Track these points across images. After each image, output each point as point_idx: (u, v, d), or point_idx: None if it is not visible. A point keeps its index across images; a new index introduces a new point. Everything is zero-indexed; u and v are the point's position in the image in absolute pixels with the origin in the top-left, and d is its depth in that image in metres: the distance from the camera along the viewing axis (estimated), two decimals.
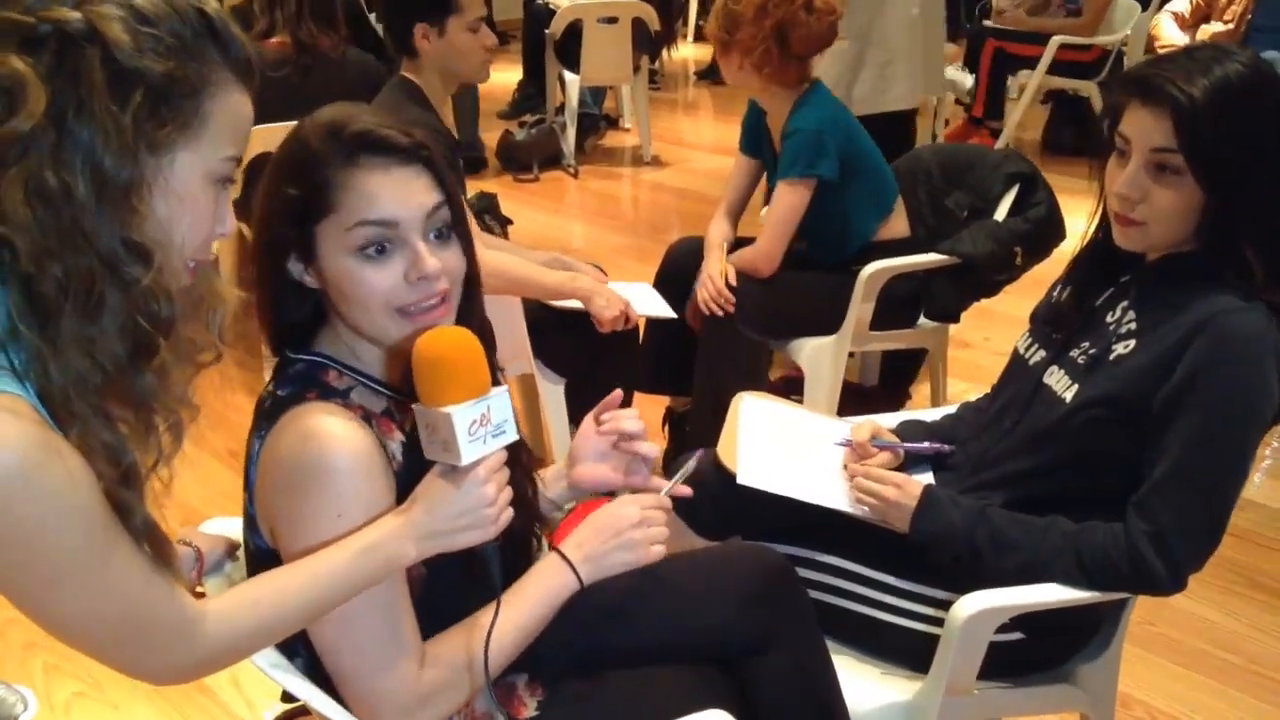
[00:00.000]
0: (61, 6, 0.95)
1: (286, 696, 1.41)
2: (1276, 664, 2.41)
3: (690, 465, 1.54)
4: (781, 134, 2.75)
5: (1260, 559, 2.78)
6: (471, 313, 1.37)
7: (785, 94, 2.75)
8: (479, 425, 1.18)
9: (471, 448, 1.18)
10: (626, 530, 1.38)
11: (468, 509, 1.19)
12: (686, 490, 1.52)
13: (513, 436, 1.22)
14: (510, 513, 1.23)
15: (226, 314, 1.19)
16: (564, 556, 1.38)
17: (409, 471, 1.27)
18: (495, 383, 1.22)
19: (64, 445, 0.95)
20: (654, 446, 1.54)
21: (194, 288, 1.10)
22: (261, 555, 1.30)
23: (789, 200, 2.70)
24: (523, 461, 1.47)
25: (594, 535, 1.39)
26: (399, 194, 1.26)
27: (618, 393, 1.56)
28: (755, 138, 2.96)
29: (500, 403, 1.20)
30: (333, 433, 1.21)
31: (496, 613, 1.26)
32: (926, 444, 1.83)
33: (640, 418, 1.56)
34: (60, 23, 0.95)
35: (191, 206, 1.03)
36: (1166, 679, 2.37)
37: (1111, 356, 1.58)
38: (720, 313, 2.70)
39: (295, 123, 1.32)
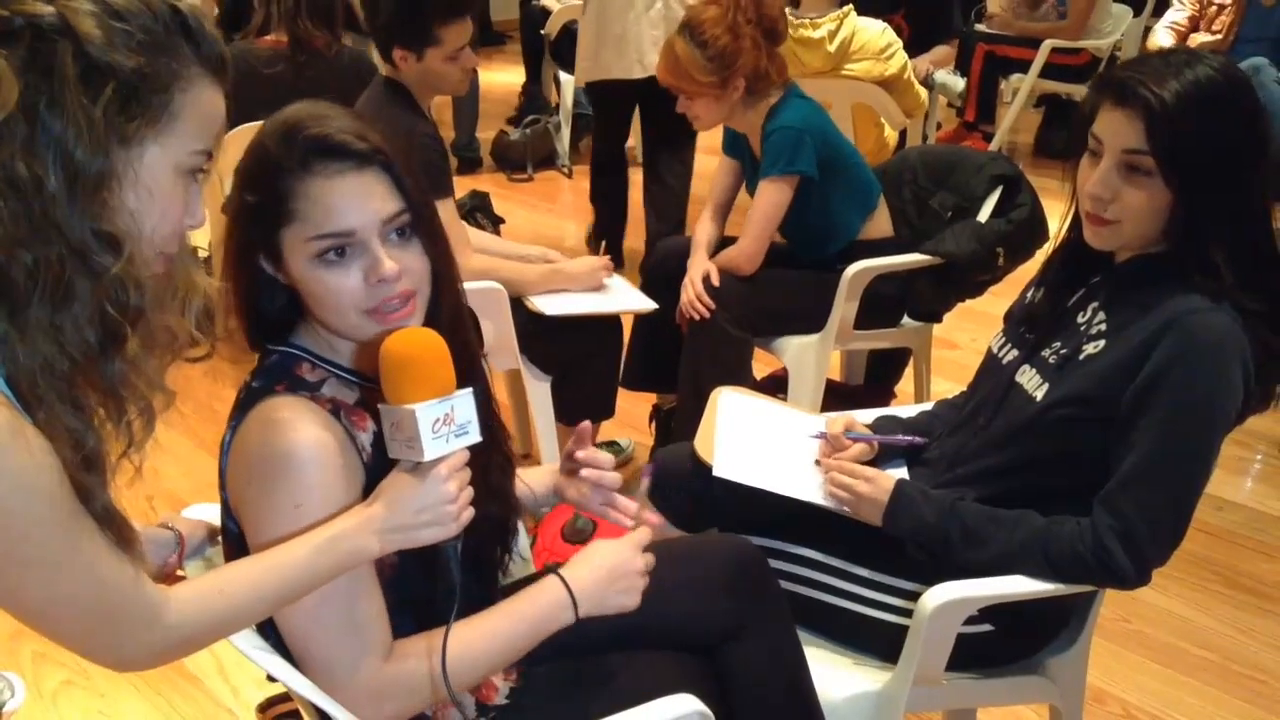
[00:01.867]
0: (35, 1, 0.97)
1: (270, 678, 1.43)
2: (1251, 661, 2.45)
3: (646, 484, 1.55)
4: (761, 136, 2.77)
5: (1238, 558, 2.81)
6: (442, 309, 1.38)
7: (765, 103, 2.77)
8: (442, 424, 1.21)
9: (434, 445, 1.20)
10: (630, 575, 1.39)
11: (429, 505, 1.21)
12: (656, 519, 1.54)
13: (475, 438, 1.24)
14: (471, 511, 1.24)
15: (214, 305, 1.21)
16: (568, 589, 1.36)
17: (379, 464, 1.29)
18: (468, 378, 1.25)
19: (30, 429, 0.97)
20: (616, 478, 1.56)
21: (171, 278, 1.12)
22: (235, 539, 1.33)
23: (772, 198, 2.73)
24: (503, 451, 1.49)
25: (603, 575, 1.38)
26: (354, 202, 1.26)
27: (586, 425, 1.57)
28: (736, 141, 2.99)
29: (464, 404, 1.22)
30: (295, 425, 1.24)
31: (452, 614, 1.26)
32: (900, 435, 1.86)
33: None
34: (34, 17, 0.96)
35: (161, 198, 1.05)
36: (1142, 675, 2.40)
37: (1081, 356, 1.61)
38: (698, 316, 2.73)
39: None
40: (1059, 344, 1.66)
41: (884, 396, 3.26)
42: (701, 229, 2.94)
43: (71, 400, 1.00)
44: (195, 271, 1.17)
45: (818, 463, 1.80)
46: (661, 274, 2.93)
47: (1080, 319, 1.66)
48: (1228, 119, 1.50)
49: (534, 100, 6.91)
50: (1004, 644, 1.70)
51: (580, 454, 1.55)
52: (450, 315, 1.39)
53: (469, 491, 1.24)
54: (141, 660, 1.12)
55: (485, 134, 6.32)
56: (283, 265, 1.30)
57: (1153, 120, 1.49)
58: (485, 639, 1.33)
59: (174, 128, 1.04)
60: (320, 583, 1.21)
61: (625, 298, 2.81)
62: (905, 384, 3.26)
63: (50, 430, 0.98)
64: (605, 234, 4.63)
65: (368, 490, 1.27)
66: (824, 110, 2.87)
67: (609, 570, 1.38)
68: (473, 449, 1.25)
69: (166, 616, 1.10)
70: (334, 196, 1.26)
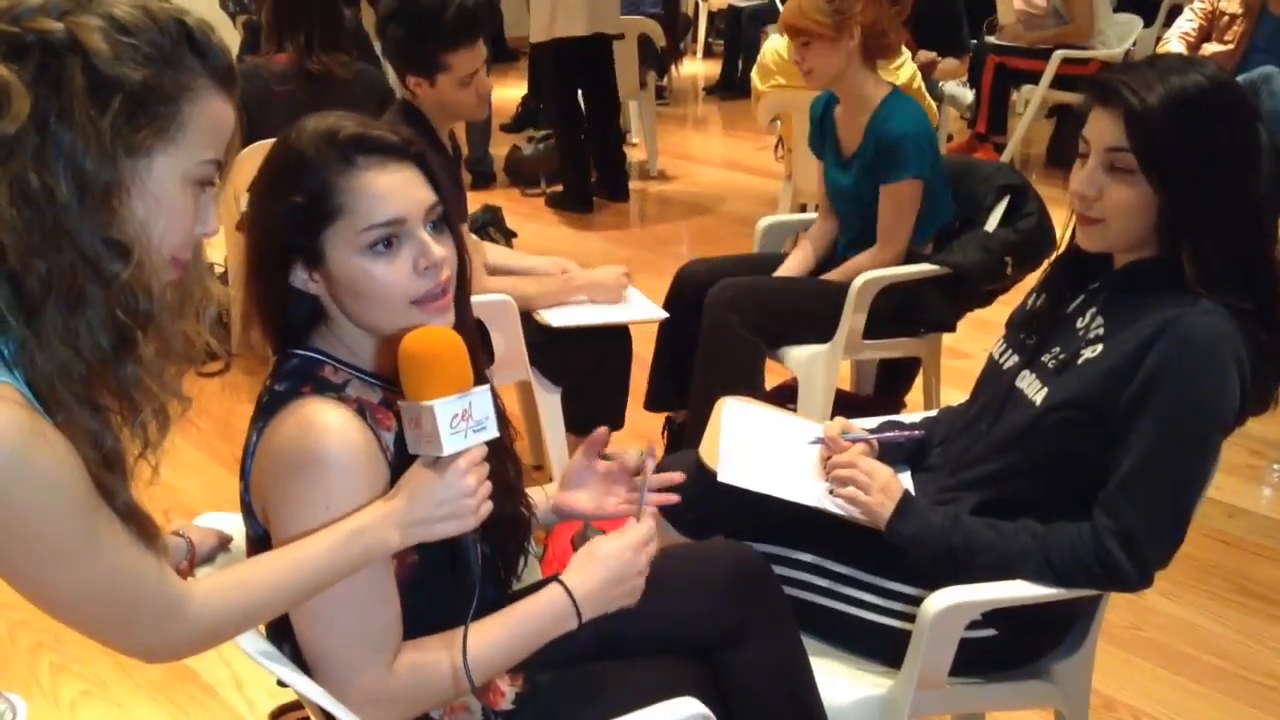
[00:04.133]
0: (46, 18, 1.01)
1: (280, 684, 1.46)
2: (1261, 667, 2.44)
3: (650, 465, 1.54)
4: (876, 133, 2.78)
5: (1249, 565, 2.81)
6: (464, 304, 1.42)
7: (877, 87, 2.80)
8: (460, 420, 1.24)
9: (453, 440, 1.23)
10: (632, 577, 1.41)
11: (448, 498, 1.24)
12: (672, 498, 1.56)
13: (493, 433, 1.27)
14: (489, 505, 1.27)
15: (228, 317, 1.24)
16: (571, 599, 1.38)
17: (401, 462, 1.31)
18: (478, 381, 1.27)
19: (50, 430, 1.00)
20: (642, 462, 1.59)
21: (187, 286, 1.15)
22: (258, 541, 1.36)
23: (910, 198, 2.77)
24: (510, 454, 1.52)
25: (605, 579, 1.40)
26: (400, 191, 1.31)
27: (603, 430, 1.61)
28: (822, 127, 3.02)
29: (481, 400, 1.25)
30: (328, 425, 1.26)
31: (471, 608, 1.28)
32: (896, 432, 1.88)
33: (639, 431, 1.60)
34: (44, 33, 1.00)
35: (169, 207, 1.07)
36: (1152, 682, 2.40)
37: (1080, 360, 1.62)
38: None
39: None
40: (1058, 349, 1.67)
41: (894, 406, 3.26)
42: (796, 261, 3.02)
43: (89, 402, 1.04)
44: (209, 280, 1.20)
45: (823, 461, 1.82)
46: (684, 299, 2.94)
47: (1079, 324, 1.67)
48: (1209, 123, 1.52)
49: (532, 114, 7.00)
50: (1008, 649, 1.71)
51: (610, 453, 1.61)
52: (466, 313, 1.42)
53: (487, 485, 1.27)
54: (166, 651, 1.15)
55: (498, 149, 6.38)
56: (322, 266, 1.32)
57: (1132, 118, 1.52)
58: (486, 646, 1.35)
59: (182, 138, 1.07)
60: (342, 576, 1.23)
61: (636, 308, 2.83)
62: (915, 394, 3.27)
63: (70, 430, 1.02)
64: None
65: (392, 487, 1.30)
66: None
67: (612, 574, 1.40)
68: (489, 445, 1.28)
69: (189, 608, 1.13)
70: (381, 186, 1.30)
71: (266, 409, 1.33)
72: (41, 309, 1.00)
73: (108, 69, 1.01)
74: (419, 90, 2.66)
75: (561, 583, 1.40)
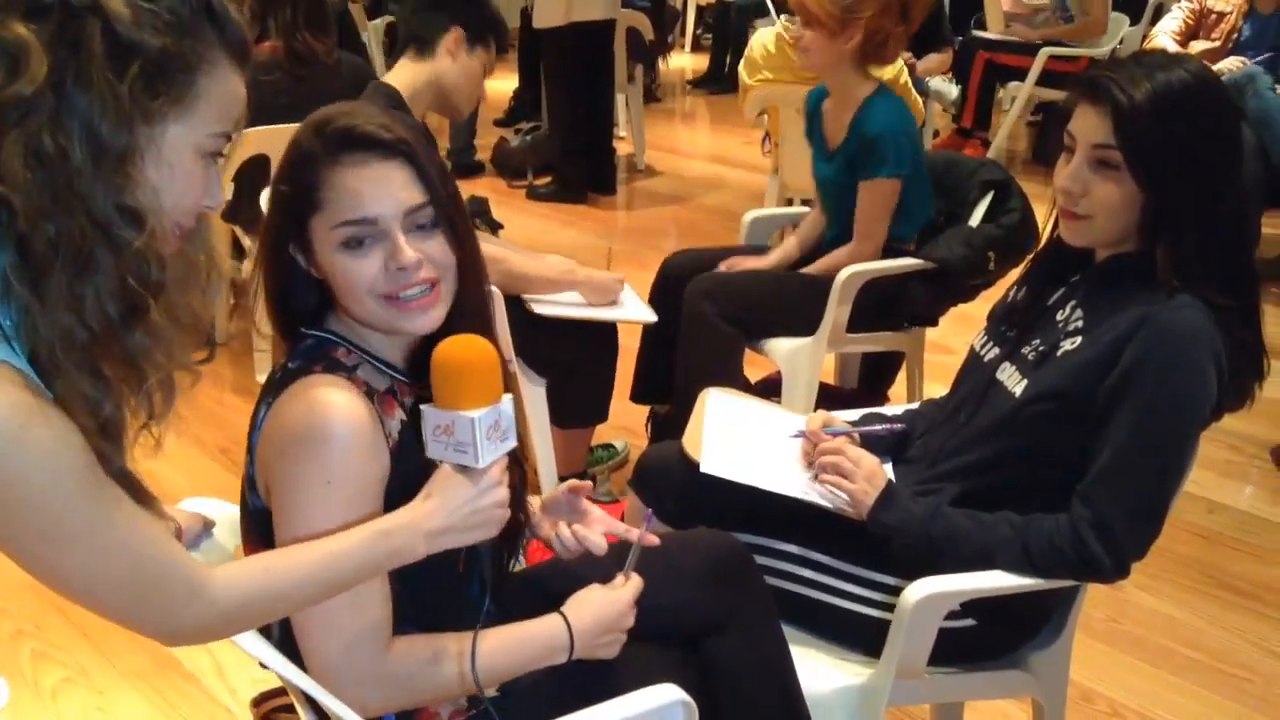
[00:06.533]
0: None
1: (264, 666, 1.46)
2: (1238, 660, 2.47)
3: (646, 526, 1.53)
4: (858, 129, 2.78)
5: (1227, 560, 2.83)
6: (470, 303, 1.42)
7: (866, 84, 2.81)
8: (493, 430, 1.26)
9: (488, 451, 1.25)
10: (618, 630, 1.45)
11: (482, 508, 1.26)
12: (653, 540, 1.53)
13: (514, 442, 1.30)
14: (508, 513, 1.30)
15: (212, 305, 1.24)
16: (569, 630, 1.41)
17: (404, 451, 1.33)
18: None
19: (50, 408, 0.99)
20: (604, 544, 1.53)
21: (189, 257, 1.14)
22: (257, 514, 1.36)
23: (887, 195, 2.77)
24: (518, 460, 1.52)
25: (600, 625, 1.43)
26: (378, 190, 1.32)
27: (587, 485, 1.60)
28: (813, 123, 3.02)
29: (508, 409, 1.29)
30: (334, 403, 1.27)
31: (484, 609, 1.32)
32: (879, 426, 1.89)
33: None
34: None
35: (180, 177, 1.07)
36: (1130, 674, 2.42)
37: (1059, 353, 1.64)
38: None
39: (286, 126, 1.39)
40: (1038, 341, 1.69)
41: (877, 400, 3.28)
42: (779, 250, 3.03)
43: (90, 370, 1.02)
44: (216, 251, 1.19)
45: (808, 456, 1.83)
46: (669, 292, 2.95)
47: (1060, 317, 1.69)
48: (1194, 120, 1.54)
49: (526, 107, 6.98)
50: (986, 639, 1.73)
51: (578, 528, 1.54)
52: (476, 312, 1.42)
53: (508, 493, 1.29)
54: (188, 632, 1.14)
55: (484, 140, 6.37)
56: (313, 255, 1.35)
57: (1120, 116, 1.53)
58: (484, 659, 1.35)
59: (196, 108, 1.06)
60: (367, 575, 1.24)
61: (626, 309, 2.83)
62: (899, 387, 3.29)
63: (68, 399, 1.00)
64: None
65: (395, 476, 1.31)
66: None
67: (606, 623, 1.43)
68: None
69: (211, 589, 1.12)
70: (358, 184, 1.31)
71: (277, 385, 1.34)
72: (48, 273, 0.98)
73: (127, 34, 1.00)
74: (447, 51, 2.66)
75: (563, 616, 1.42)
